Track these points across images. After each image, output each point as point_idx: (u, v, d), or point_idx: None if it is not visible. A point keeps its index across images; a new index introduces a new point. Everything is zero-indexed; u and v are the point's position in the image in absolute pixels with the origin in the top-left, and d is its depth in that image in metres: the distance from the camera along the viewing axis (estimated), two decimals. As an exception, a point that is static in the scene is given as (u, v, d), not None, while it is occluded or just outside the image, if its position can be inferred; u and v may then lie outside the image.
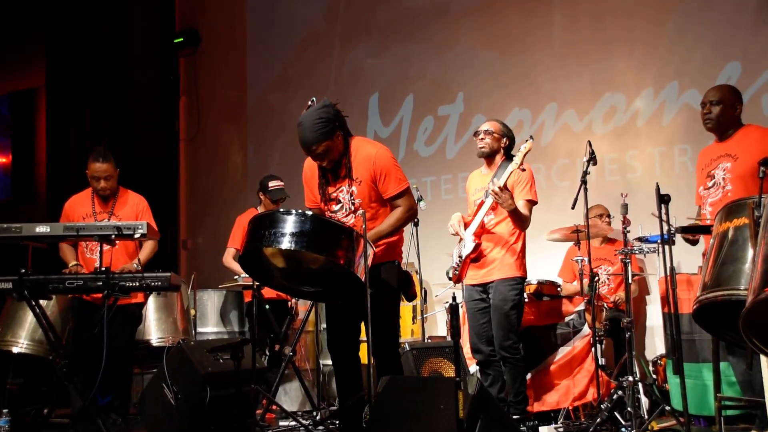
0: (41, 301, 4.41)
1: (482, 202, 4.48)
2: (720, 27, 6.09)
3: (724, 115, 4.13)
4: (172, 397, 4.27)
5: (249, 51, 8.81)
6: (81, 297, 4.86)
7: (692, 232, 4.21)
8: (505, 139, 4.57)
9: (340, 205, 3.78)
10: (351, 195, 3.74)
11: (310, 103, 3.92)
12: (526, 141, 4.39)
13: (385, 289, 3.69)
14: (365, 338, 3.47)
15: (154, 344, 5.63)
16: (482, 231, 4.49)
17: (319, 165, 3.77)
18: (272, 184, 6.03)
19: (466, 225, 4.55)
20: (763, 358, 3.41)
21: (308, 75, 8.28)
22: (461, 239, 4.56)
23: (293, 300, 5.72)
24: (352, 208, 3.74)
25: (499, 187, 4.22)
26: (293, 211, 3.37)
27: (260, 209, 6.03)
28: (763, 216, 2.41)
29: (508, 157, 4.58)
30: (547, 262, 6.19)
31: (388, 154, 3.76)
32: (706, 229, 3.99)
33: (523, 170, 4.34)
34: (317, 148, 3.64)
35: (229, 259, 6.03)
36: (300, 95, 7.69)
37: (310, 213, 3.44)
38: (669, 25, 6.33)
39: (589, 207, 4.71)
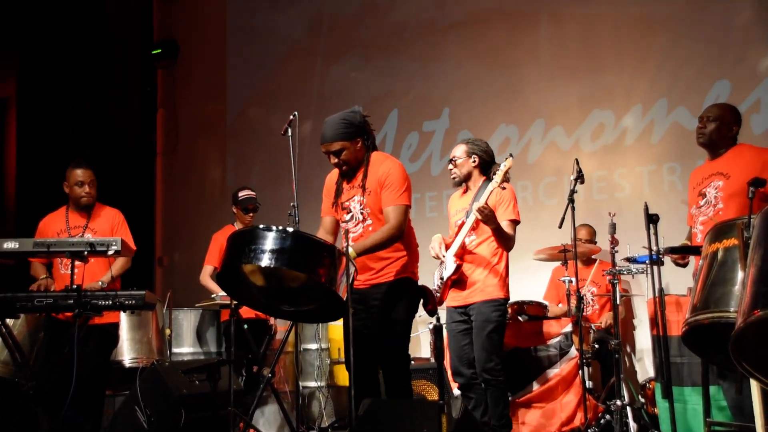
0: (8, 320, 4.25)
1: (463, 223, 4.41)
2: (709, 45, 6.12)
3: (718, 132, 4.14)
4: (145, 420, 4.19)
5: (229, 63, 8.74)
6: (52, 316, 4.69)
7: (681, 253, 4.18)
8: (474, 158, 4.48)
9: (351, 215, 3.84)
10: (361, 205, 3.81)
11: (291, 117, 4.06)
12: (506, 159, 4.32)
13: (393, 307, 3.73)
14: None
15: (127, 365, 5.46)
16: (463, 252, 4.42)
17: (339, 171, 3.87)
18: (241, 194, 5.98)
19: (447, 246, 4.46)
20: (753, 382, 3.34)
21: (290, 89, 8.21)
22: (442, 261, 4.47)
23: (272, 319, 5.61)
24: (361, 218, 3.81)
25: (483, 206, 4.13)
26: (273, 228, 3.31)
27: (237, 225, 5.92)
28: (753, 237, 2.34)
29: (486, 174, 4.49)
30: (533, 281, 6.11)
31: (400, 169, 3.83)
32: (695, 250, 3.94)
33: (503, 189, 4.26)
34: (332, 146, 3.77)
35: (206, 278, 5.91)
36: (281, 110, 7.62)
37: (290, 229, 3.38)
38: (658, 42, 6.35)
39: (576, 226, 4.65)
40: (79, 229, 4.93)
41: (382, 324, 3.72)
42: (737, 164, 4.01)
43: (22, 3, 7.74)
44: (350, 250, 3.56)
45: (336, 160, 3.81)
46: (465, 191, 4.56)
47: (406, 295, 3.80)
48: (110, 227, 4.98)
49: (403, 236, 3.77)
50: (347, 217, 3.85)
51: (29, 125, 7.84)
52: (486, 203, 4.19)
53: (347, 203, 3.86)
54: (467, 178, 4.51)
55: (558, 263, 5.77)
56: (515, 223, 4.38)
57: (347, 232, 3.60)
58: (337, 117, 3.81)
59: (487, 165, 4.52)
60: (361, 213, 3.81)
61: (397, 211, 3.73)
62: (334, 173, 3.98)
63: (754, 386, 3.34)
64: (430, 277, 5.10)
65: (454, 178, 4.55)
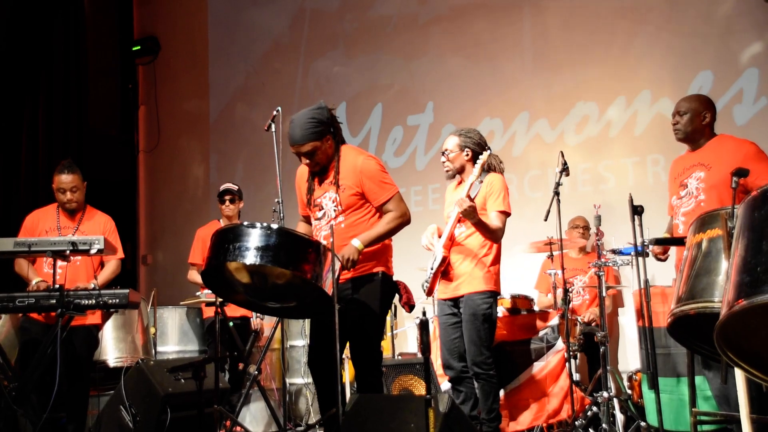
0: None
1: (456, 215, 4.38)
2: (691, 36, 6.13)
3: (691, 123, 4.12)
4: (131, 420, 4.16)
5: (211, 59, 8.68)
6: (33, 316, 4.63)
7: (666, 244, 4.17)
8: (466, 150, 4.44)
9: (323, 212, 3.76)
10: (334, 202, 3.72)
11: (275, 113, 4.00)
12: (483, 152, 4.30)
13: (366, 302, 3.65)
14: (349, 355, 3.53)
15: (112, 364, 5.43)
16: (452, 244, 4.39)
17: (309, 168, 3.78)
18: (222, 187, 5.92)
19: (440, 236, 4.44)
20: (738, 371, 3.34)
21: (273, 84, 8.17)
22: (434, 251, 4.45)
23: (255, 320, 5.57)
24: (333, 215, 3.72)
25: (462, 198, 4.11)
26: (258, 224, 3.29)
27: (222, 221, 5.87)
28: (736, 227, 2.34)
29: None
30: (520, 274, 6.11)
31: (374, 162, 3.77)
32: (679, 241, 3.92)
33: (481, 182, 4.24)
34: (303, 147, 3.66)
35: (193, 275, 5.86)
36: (264, 105, 7.58)
37: (275, 226, 3.35)
38: (640, 34, 6.35)
39: (570, 218, 4.60)
40: (69, 230, 4.88)
41: (354, 319, 3.63)
42: (718, 155, 4.00)
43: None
44: (357, 242, 3.54)
45: (308, 161, 3.72)
46: (460, 183, 4.53)
47: (379, 290, 3.71)
48: (101, 232, 4.89)
49: (410, 221, 3.75)
50: (319, 214, 3.77)
51: (6, 124, 7.69)
52: (467, 196, 4.15)
53: (319, 200, 3.78)
54: (461, 171, 4.48)
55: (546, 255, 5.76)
56: (505, 214, 4.32)
57: (330, 227, 3.50)
58: (304, 116, 3.68)
59: (479, 156, 4.49)
60: (334, 210, 3.72)
61: (395, 200, 3.71)
62: (305, 168, 3.88)
63: (739, 375, 3.34)
64: (410, 270, 5.10)
65: (447, 171, 4.49)
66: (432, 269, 4.41)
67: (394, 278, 3.88)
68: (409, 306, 3.92)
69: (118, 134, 8.89)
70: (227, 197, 5.84)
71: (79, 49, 8.21)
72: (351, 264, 3.52)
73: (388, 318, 5.91)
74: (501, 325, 4.90)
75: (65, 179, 4.84)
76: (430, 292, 4.54)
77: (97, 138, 8.38)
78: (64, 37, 8.13)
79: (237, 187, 5.93)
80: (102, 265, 4.97)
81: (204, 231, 5.91)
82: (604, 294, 4.62)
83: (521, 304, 5.20)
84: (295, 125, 3.67)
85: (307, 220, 3.95)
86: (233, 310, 5.39)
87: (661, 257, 4.25)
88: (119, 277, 5.05)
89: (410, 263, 5.82)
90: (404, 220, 3.72)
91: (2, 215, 7.20)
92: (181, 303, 6.05)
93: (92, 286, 4.63)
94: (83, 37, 8.29)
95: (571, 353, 4.84)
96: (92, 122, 8.32)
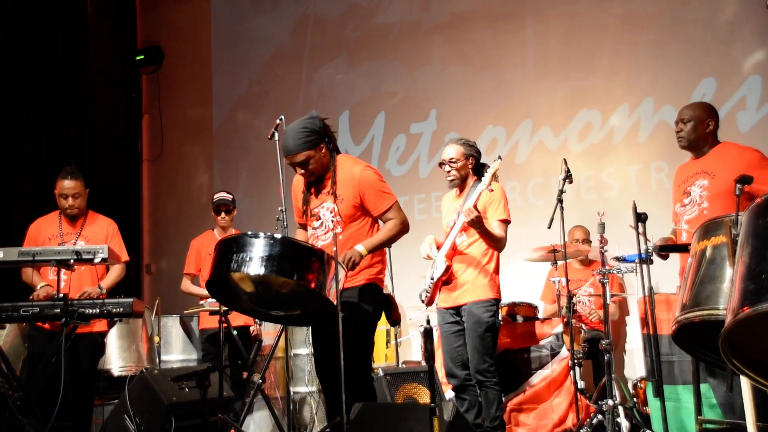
0: (-6, 331, 4.22)
1: (454, 224, 4.37)
2: (694, 43, 6.12)
3: (695, 131, 4.11)
4: (135, 429, 4.16)
5: (214, 67, 8.69)
6: (38, 325, 4.64)
7: (670, 251, 4.15)
8: (470, 159, 4.46)
9: (320, 222, 3.75)
10: (331, 212, 3.71)
11: (278, 122, 3.98)
12: (494, 161, 4.29)
13: (358, 312, 3.63)
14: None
15: (116, 373, 5.45)
16: (454, 253, 4.40)
17: (304, 179, 3.78)
18: (216, 196, 5.94)
19: (439, 247, 4.44)
20: (743, 379, 3.32)
21: (276, 92, 8.17)
22: (434, 261, 4.44)
23: (253, 328, 5.56)
24: (331, 226, 3.71)
25: (470, 208, 4.11)
26: (261, 234, 3.30)
27: (217, 231, 5.87)
28: (741, 234, 2.33)
29: (478, 175, 4.48)
30: (524, 282, 6.09)
31: (372, 172, 3.76)
32: (683, 248, 3.92)
33: (491, 191, 4.23)
34: (297, 157, 3.66)
35: (187, 285, 5.85)
36: (268, 113, 7.60)
37: (279, 236, 3.36)
38: (643, 41, 6.35)
39: (569, 228, 4.60)
40: (72, 236, 4.88)
41: (348, 328, 3.53)
42: (722, 163, 3.99)
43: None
44: (361, 248, 3.54)
45: (303, 171, 3.71)
46: (459, 192, 4.53)
47: (372, 301, 3.71)
48: (104, 237, 4.92)
49: (409, 228, 3.76)
50: (316, 224, 3.76)
51: (9, 134, 7.69)
52: (475, 206, 4.16)
53: (316, 210, 3.77)
54: (464, 179, 4.48)
55: (551, 266, 5.74)
56: (506, 223, 4.34)
57: (335, 236, 3.51)
58: (296, 126, 3.67)
59: (480, 166, 4.50)
60: (332, 221, 3.71)
61: (395, 209, 3.71)
62: (301, 177, 3.86)
63: (745, 383, 3.33)
64: (410, 278, 5.11)
65: (452, 180, 4.47)
66: (432, 279, 4.42)
67: (395, 287, 3.88)
68: (394, 321, 3.91)
69: (120, 139, 8.89)
70: (223, 209, 5.84)
71: (81, 51, 8.21)
72: (352, 265, 3.51)
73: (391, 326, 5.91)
74: (504, 333, 4.89)
75: (68, 185, 4.85)
76: (430, 302, 4.54)
77: (100, 141, 8.36)
78: (66, 39, 8.13)
79: (231, 197, 5.94)
80: (107, 268, 4.97)
81: (198, 241, 5.92)
82: (608, 301, 4.61)
83: (523, 311, 5.19)
84: (288, 136, 3.67)
85: (305, 227, 3.94)
86: (234, 319, 5.39)
87: (663, 253, 4.23)
88: (123, 286, 5.06)
89: (410, 271, 5.83)
90: (405, 228, 3.73)
91: (5, 219, 7.20)
92: (185, 312, 6.04)
93: (99, 290, 4.65)
94: (85, 38, 8.29)
95: (575, 361, 4.82)
96: (96, 132, 8.31)
